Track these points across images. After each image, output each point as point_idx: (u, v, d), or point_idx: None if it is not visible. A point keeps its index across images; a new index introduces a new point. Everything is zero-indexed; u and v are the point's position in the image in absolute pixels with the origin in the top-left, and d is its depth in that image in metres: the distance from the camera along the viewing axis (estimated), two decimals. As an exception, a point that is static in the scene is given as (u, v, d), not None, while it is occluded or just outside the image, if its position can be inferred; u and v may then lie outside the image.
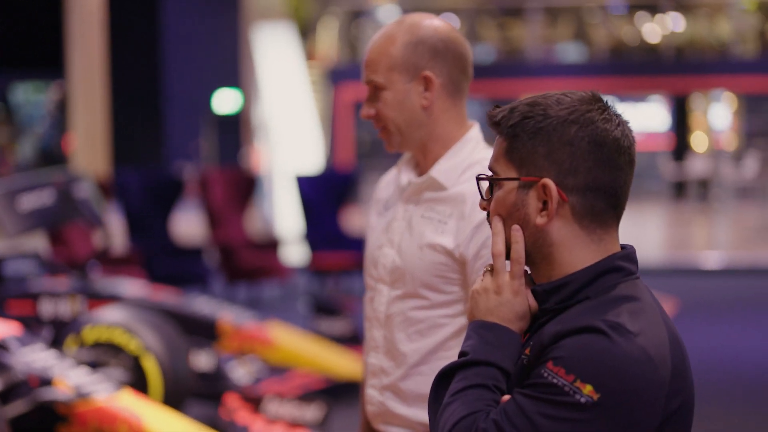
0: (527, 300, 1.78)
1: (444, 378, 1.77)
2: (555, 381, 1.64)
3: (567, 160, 1.74)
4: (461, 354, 1.77)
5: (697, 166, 20.99)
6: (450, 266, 2.55)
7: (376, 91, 2.62)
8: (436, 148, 2.64)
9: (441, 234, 2.57)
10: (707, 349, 8.66)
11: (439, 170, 2.61)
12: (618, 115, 1.79)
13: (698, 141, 23.86)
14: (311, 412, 5.96)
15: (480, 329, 1.78)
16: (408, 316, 2.61)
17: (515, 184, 1.77)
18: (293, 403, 6.00)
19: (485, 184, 1.84)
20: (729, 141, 23.61)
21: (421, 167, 2.69)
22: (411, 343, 2.60)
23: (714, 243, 15.70)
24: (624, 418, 1.64)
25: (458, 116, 2.64)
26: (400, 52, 2.59)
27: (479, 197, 1.85)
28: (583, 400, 1.62)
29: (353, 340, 7.67)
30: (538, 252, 1.78)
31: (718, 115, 23.74)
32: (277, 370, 7.12)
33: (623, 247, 1.82)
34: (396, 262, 2.63)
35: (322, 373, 7.06)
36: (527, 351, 1.75)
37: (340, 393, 7.10)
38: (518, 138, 1.77)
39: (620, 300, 1.71)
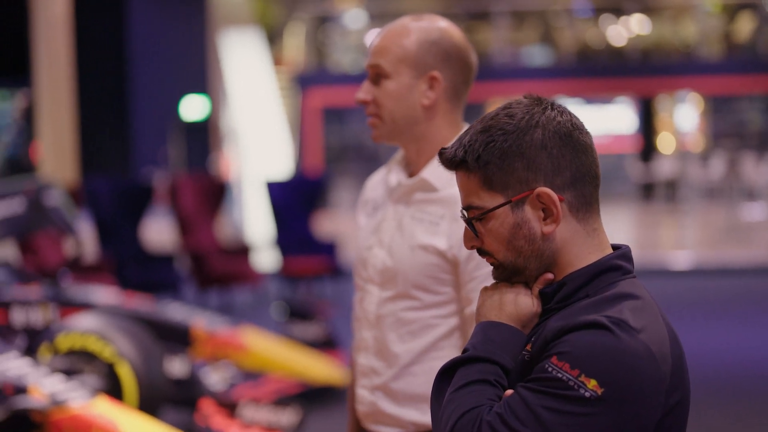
0: (533, 301, 1.82)
1: (446, 374, 1.80)
2: (560, 375, 1.67)
3: (547, 162, 1.78)
4: (464, 350, 1.80)
5: (664, 168, 21.11)
6: (442, 267, 2.56)
7: (378, 77, 2.62)
8: (430, 149, 2.64)
9: (433, 235, 2.57)
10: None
11: (431, 172, 2.61)
12: (561, 106, 1.84)
13: (665, 142, 24.01)
14: (286, 417, 5.97)
15: (485, 327, 1.81)
16: (399, 317, 2.61)
17: (507, 207, 1.78)
18: (268, 407, 6.01)
19: (472, 224, 1.84)
20: (696, 142, 23.77)
21: (412, 168, 2.69)
22: (403, 343, 2.61)
23: (682, 243, 15.80)
24: (627, 412, 1.68)
25: (454, 121, 2.65)
26: (414, 46, 2.59)
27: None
28: (587, 394, 1.66)
29: (327, 344, 7.67)
30: (545, 262, 1.81)
31: (684, 116, 23.89)
32: (251, 375, 7.13)
33: (618, 246, 1.86)
34: (386, 263, 2.63)
35: (297, 378, 7.06)
36: (528, 347, 1.78)
37: (314, 397, 7.11)
38: (491, 164, 1.78)
39: (621, 297, 1.75)
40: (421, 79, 2.59)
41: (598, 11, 23.41)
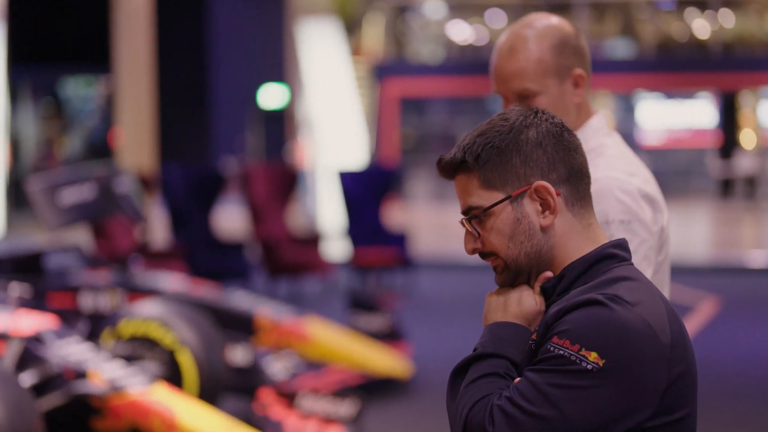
0: (536, 299, 1.88)
1: (459, 372, 1.86)
2: (561, 352, 1.74)
3: (543, 158, 1.87)
4: (474, 349, 1.87)
5: (744, 164, 20.79)
6: None
7: (527, 99, 2.52)
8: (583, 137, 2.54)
9: None
10: (751, 346, 8.59)
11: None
12: (550, 113, 1.93)
13: (747, 138, 23.62)
14: (345, 408, 5.96)
15: (492, 328, 1.88)
16: None
17: (507, 203, 1.87)
18: (327, 398, 6.00)
19: (473, 225, 1.90)
20: (778, 138, 23.36)
21: None
22: None
23: (760, 242, 15.53)
24: (630, 382, 1.73)
25: (588, 108, 2.60)
26: (549, 56, 2.53)
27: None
28: (589, 366, 1.72)
29: (391, 336, 7.66)
30: (544, 259, 1.88)
31: (767, 112, 23.47)
32: (313, 365, 7.14)
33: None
34: None
35: (359, 369, 7.06)
36: (533, 336, 1.84)
37: (376, 389, 7.10)
38: (489, 163, 1.87)
39: (617, 279, 1.82)
40: (567, 82, 2.54)
41: (681, 4, 23.10)
